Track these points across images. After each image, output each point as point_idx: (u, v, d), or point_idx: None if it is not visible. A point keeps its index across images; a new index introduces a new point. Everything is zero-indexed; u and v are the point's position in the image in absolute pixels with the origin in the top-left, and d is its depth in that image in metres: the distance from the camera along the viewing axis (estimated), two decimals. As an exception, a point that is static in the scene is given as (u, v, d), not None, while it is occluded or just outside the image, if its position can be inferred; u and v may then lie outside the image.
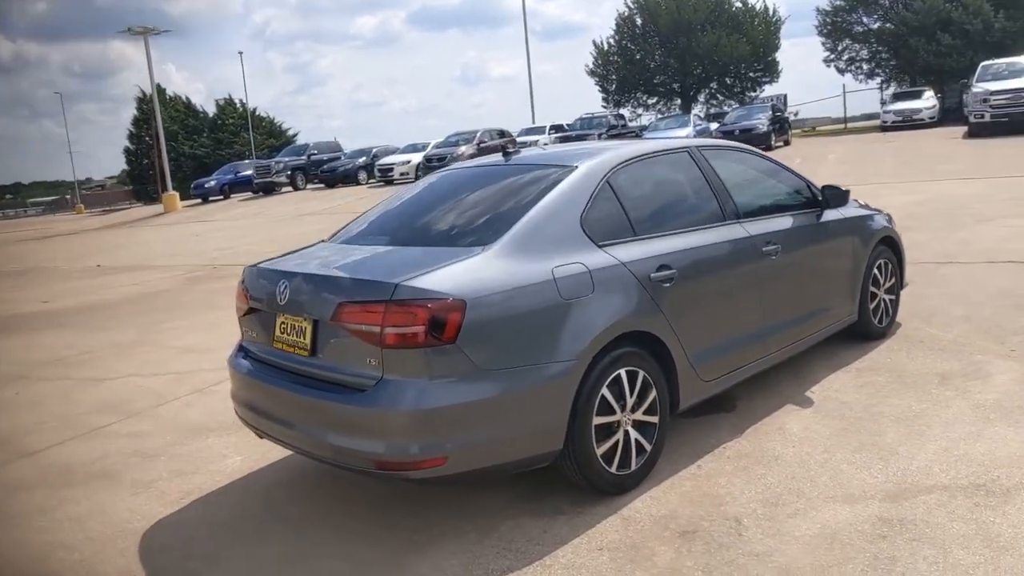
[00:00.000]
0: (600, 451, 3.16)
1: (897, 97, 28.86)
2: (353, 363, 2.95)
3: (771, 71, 38.05)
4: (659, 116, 30.25)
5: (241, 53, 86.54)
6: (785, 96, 34.54)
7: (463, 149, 25.48)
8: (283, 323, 3.28)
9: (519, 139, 27.68)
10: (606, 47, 41.46)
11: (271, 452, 4.21)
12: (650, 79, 40.42)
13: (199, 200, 32.53)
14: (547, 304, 3.03)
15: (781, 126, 25.47)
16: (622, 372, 3.20)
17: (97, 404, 5.57)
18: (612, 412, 3.20)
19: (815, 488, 3.23)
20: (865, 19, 35.09)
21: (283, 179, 30.64)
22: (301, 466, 4.04)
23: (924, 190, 12.51)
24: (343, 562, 3.02)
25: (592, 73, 42.27)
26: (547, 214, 3.24)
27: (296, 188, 30.64)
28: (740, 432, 3.87)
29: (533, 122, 37.84)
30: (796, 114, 31.80)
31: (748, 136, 23.51)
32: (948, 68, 29.61)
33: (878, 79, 34.16)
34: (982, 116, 18.98)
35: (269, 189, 30.59)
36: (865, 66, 35.84)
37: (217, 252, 14.41)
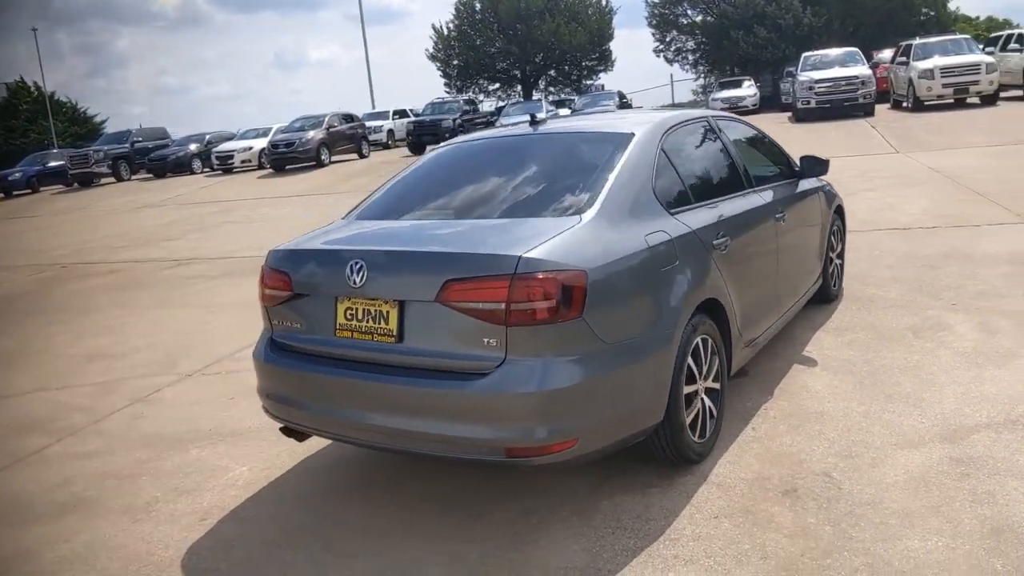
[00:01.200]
0: (687, 420, 3.13)
1: (722, 86, 31.11)
2: (462, 345, 2.70)
3: (605, 60, 39.72)
4: (512, 103, 30.59)
5: (35, 30, 76.60)
6: (602, 85, 36.58)
7: (312, 134, 24.39)
8: (350, 309, 2.93)
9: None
10: (446, 32, 41.27)
11: (279, 458, 3.80)
12: (491, 65, 40.77)
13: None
14: (648, 273, 2.96)
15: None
16: (698, 340, 3.19)
17: (13, 426, 4.74)
18: (694, 381, 3.18)
19: (875, 438, 3.39)
20: (690, 12, 37.58)
21: (104, 169, 27.72)
22: (329, 467, 3.67)
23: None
24: (457, 564, 2.77)
25: (433, 58, 41.94)
26: (625, 181, 3.14)
27: (120, 179, 27.87)
28: (770, 393, 3.99)
29: (373, 107, 37.02)
30: (630, 102, 33.47)
31: (600, 121, 24.37)
32: (764, 59, 32.41)
33: (702, 69, 36.81)
34: (808, 102, 20.93)
35: (87, 181, 27.52)
36: (691, 56, 38.45)
37: (62, 250, 12.76)
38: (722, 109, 29.75)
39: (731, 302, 3.46)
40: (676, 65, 38.75)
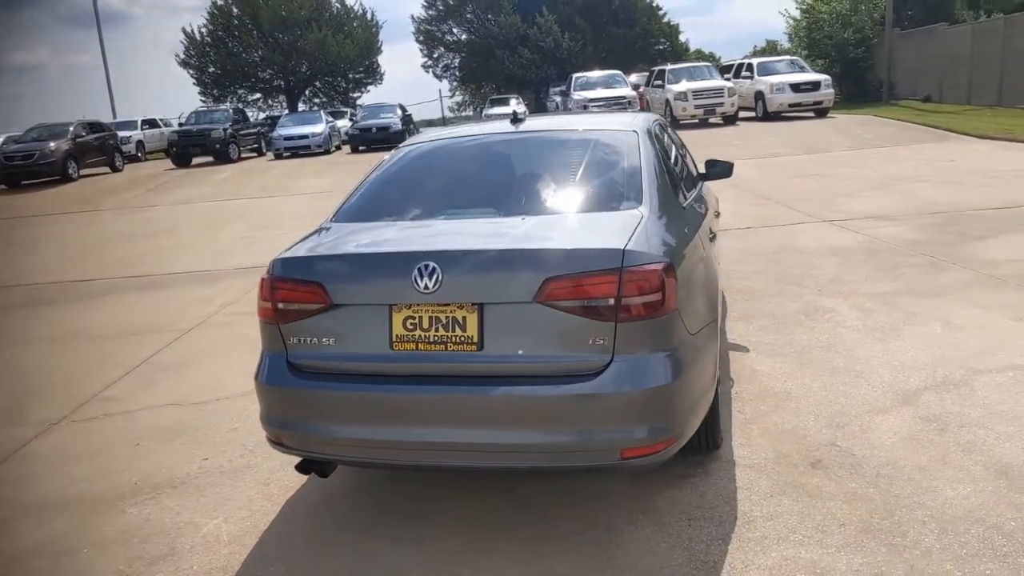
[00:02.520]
0: None
1: (493, 103, 32.44)
2: (562, 347, 2.53)
3: (373, 73, 39.39)
4: (287, 115, 29.04)
5: None
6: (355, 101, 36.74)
7: (55, 145, 21.29)
8: (411, 318, 2.62)
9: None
10: (199, 37, 38.23)
11: (254, 503, 3.31)
12: (252, 74, 38.51)
13: None
14: (698, 259, 3.03)
15: (411, 125, 26.67)
16: None
17: None
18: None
19: (848, 408, 3.75)
20: (455, 30, 38.61)
21: None
22: (327, 503, 3.25)
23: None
24: (561, 581, 2.59)
25: (185, 64, 38.58)
26: (653, 174, 3.16)
27: None
28: (728, 379, 4.24)
29: (114, 116, 33.28)
30: (411, 116, 33.73)
31: (386, 134, 24.18)
32: (529, 78, 34.33)
33: (471, 86, 37.98)
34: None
35: None
36: (459, 73, 39.48)
37: None
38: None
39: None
40: (445, 81, 39.68)
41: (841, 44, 28.28)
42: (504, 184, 3.33)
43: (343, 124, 27.87)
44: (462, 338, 2.58)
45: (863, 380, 4.08)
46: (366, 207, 3.32)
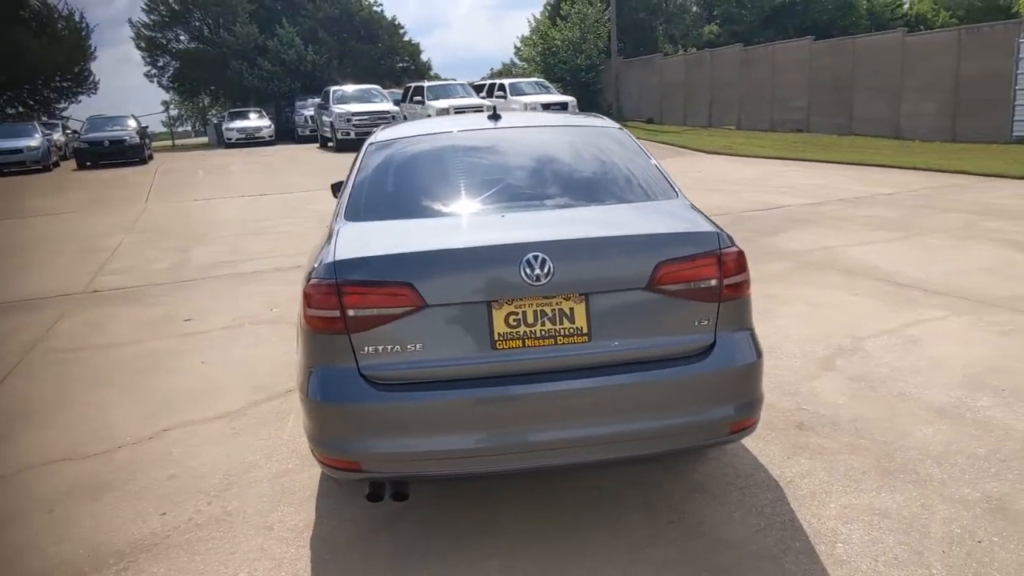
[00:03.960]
0: None
1: (233, 116, 30.44)
2: (670, 330, 2.55)
3: (83, 82, 34.64)
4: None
5: None
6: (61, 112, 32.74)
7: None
8: (514, 313, 2.47)
9: None
10: None
11: (270, 550, 2.86)
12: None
13: None
14: None
15: (148, 139, 24.07)
16: None
17: None
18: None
19: (788, 377, 4.19)
20: (183, 37, 35.48)
21: None
22: (361, 541, 2.90)
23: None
24: (667, 569, 2.59)
25: None
26: (658, 165, 3.31)
27: None
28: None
29: None
30: (147, 128, 30.43)
31: (121, 148, 21.66)
32: (272, 91, 32.70)
33: (205, 97, 35.05)
34: (348, 133, 22.14)
35: None
36: (189, 84, 36.26)
37: None
38: (237, 139, 29.38)
39: None
40: (173, 92, 36.17)
41: (574, 69, 31.00)
42: (538, 176, 3.24)
43: (58, 136, 24.31)
44: (571, 330, 2.49)
45: (781, 353, 4.58)
46: (387, 204, 3.05)
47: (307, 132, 28.68)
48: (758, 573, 2.54)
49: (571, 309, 2.50)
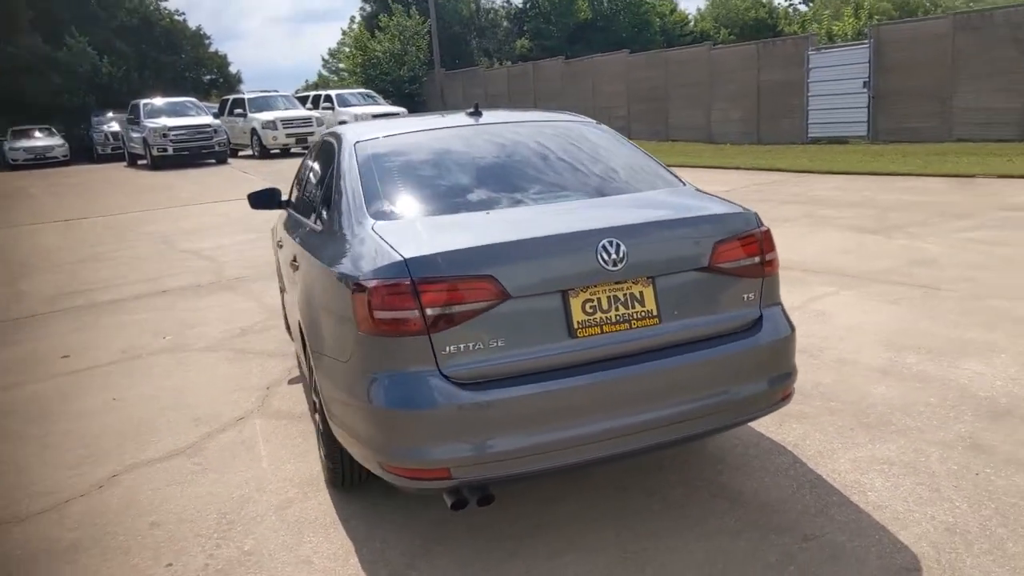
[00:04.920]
0: None
1: (17, 135, 27.08)
2: (724, 307, 2.68)
3: None
4: None
5: None
6: None
7: None
8: (590, 300, 2.46)
9: None
10: None
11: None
12: None
13: None
14: None
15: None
16: None
17: None
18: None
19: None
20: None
21: None
22: (416, 555, 2.74)
23: (206, 212, 13.29)
24: (767, 544, 2.70)
25: None
26: (647, 155, 3.44)
27: None
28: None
29: None
30: None
31: None
32: (66, 107, 29.38)
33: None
34: (165, 149, 20.46)
35: None
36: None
37: None
38: (25, 160, 26.19)
39: None
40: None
41: (397, 81, 30.86)
42: (555, 168, 3.20)
43: None
44: (643, 313, 2.54)
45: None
46: (416, 201, 2.93)
47: (108, 150, 26.20)
48: (817, 527, 2.72)
49: (641, 292, 2.54)
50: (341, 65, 51.68)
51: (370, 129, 3.55)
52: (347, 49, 39.26)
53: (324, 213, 3.26)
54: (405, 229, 2.69)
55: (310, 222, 3.47)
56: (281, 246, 4.32)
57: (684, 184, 3.19)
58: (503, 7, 42.55)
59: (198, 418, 4.18)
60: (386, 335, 2.38)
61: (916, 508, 2.79)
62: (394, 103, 28.90)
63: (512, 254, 2.45)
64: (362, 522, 2.98)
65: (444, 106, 29.70)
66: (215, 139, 20.97)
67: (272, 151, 22.16)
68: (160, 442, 3.90)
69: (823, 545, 2.61)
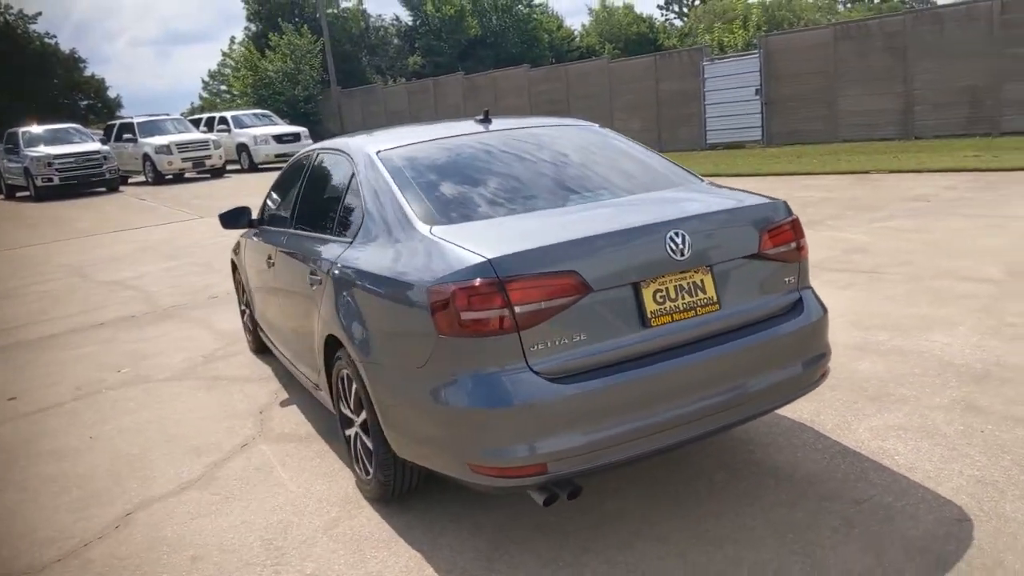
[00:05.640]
0: None
1: None
2: (770, 291, 2.82)
3: None
4: None
5: None
6: None
7: None
8: (659, 290, 2.55)
9: None
10: None
11: None
12: None
13: None
14: None
15: None
16: None
17: None
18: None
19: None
20: None
21: None
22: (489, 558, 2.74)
23: (116, 241, 12.58)
24: (846, 527, 2.85)
25: None
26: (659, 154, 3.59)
27: None
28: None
29: None
30: None
31: None
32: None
33: None
34: (51, 179, 19.15)
35: None
36: None
37: None
38: None
39: None
40: None
41: (292, 100, 30.15)
42: (586, 169, 3.29)
43: None
44: (705, 300, 2.65)
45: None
46: (466, 205, 2.93)
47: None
48: (862, 492, 2.90)
49: (702, 280, 2.66)
50: (224, 87, 50.13)
51: (383, 140, 3.51)
52: (231, 70, 38.05)
53: (352, 225, 3.20)
54: (467, 232, 2.69)
55: (331, 237, 3.38)
56: (273, 264, 4.16)
57: (702, 180, 3.35)
58: (393, 25, 42.52)
59: (196, 448, 3.97)
60: (473, 336, 2.38)
61: (943, 466, 3.03)
62: (291, 123, 28.28)
63: (591, 248, 2.51)
64: (422, 533, 2.93)
65: (342, 125, 29.30)
66: (105, 166, 19.81)
67: (167, 176, 21.18)
68: (163, 476, 3.68)
69: (875, 507, 2.80)
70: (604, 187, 3.13)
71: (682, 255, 2.58)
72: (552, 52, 40.36)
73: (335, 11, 35.80)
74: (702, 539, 2.71)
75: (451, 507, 3.08)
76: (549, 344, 2.41)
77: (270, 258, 4.22)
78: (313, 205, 3.87)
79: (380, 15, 62.38)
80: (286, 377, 4.97)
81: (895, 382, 3.88)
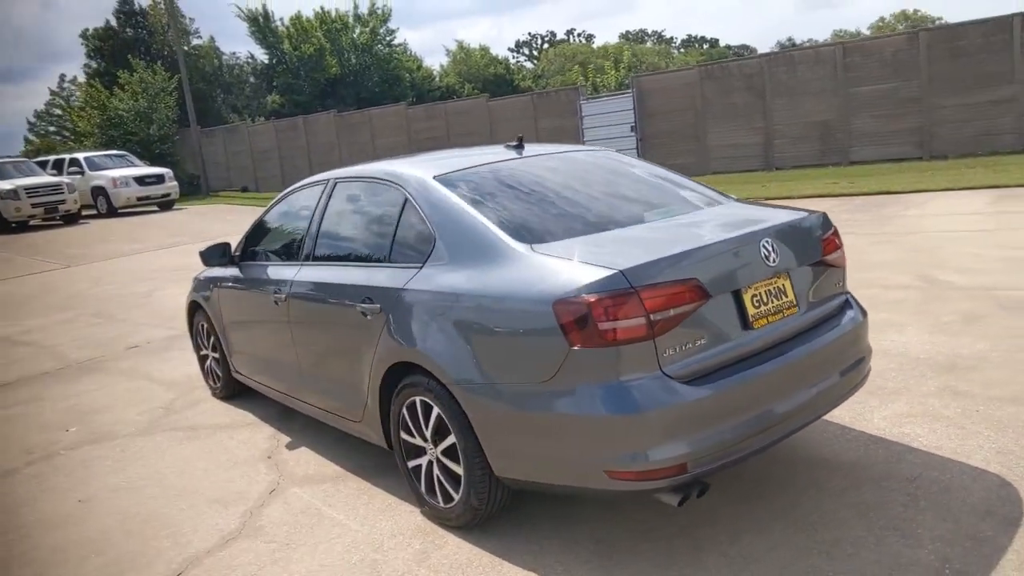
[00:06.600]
0: None
1: None
2: (827, 291, 3.11)
3: None
4: None
5: None
6: None
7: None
8: (755, 295, 2.77)
9: None
10: None
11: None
12: None
13: None
14: None
15: None
16: None
17: None
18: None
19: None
20: None
21: None
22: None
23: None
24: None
25: None
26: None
27: None
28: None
29: None
30: None
31: None
32: None
33: None
34: None
35: None
36: None
37: None
38: None
39: None
40: None
41: (146, 140, 28.41)
42: (634, 188, 3.48)
43: None
44: (788, 303, 2.89)
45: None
46: (551, 225, 3.00)
47: None
48: (909, 471, 3.22)
49: (783, 285, 2.90)
50: (53, 128, 46.30)
51: (429, 166, 3.50)
52: (69, 110, 35.35)
53: (415, 250, 3.19)
54: (573, 249, 2.78)
55: (385, 264, 3.33)
56: (283, 299, 3.98)
57: (735, 199, 3.63)
58: (248, 63, 41.28)
59: (217, 500, 3.71)
60: (610, 345, 2.46)
61: (963, 443, 3.43)
62: (149, 164, 26.66)
63: (706, 257, 2.70)
64: (523, 554, 2.92)
65: (203, 166, 27.98)
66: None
67: (12, 224, 19.28)
68: (197, 531, 3.42)
69: (929, 482, 3.12)
70: (667, 204, 3.34)
71: (773, 262, 2.82)
72: (414, 91, 40.67)
73: (187, 48, 34.27)
74: (796, 527, 2.91)
75: (537, 527, 3.10)
76: (678, 349, 2.55)
77: (277, 292, 4.05)
78: (344, 235, 3.79)
79: (234, 53, 60.43)
80: (278, 420, 4.74)
81: (881, 378, 4.31)
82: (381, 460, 3.92)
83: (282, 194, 4.57)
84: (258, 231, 4.65)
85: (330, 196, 3.93)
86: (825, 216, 3.26)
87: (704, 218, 3.20)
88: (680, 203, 3.39)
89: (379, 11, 38.64)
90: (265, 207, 4.73)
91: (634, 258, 2.60)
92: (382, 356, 3.23)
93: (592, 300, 2.48)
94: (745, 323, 2.75)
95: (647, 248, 2.74)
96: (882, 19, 62.59)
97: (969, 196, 10.62)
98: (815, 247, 3.08)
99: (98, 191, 21.43)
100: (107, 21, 36.94)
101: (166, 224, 18.75)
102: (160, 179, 21.96)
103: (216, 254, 4.66)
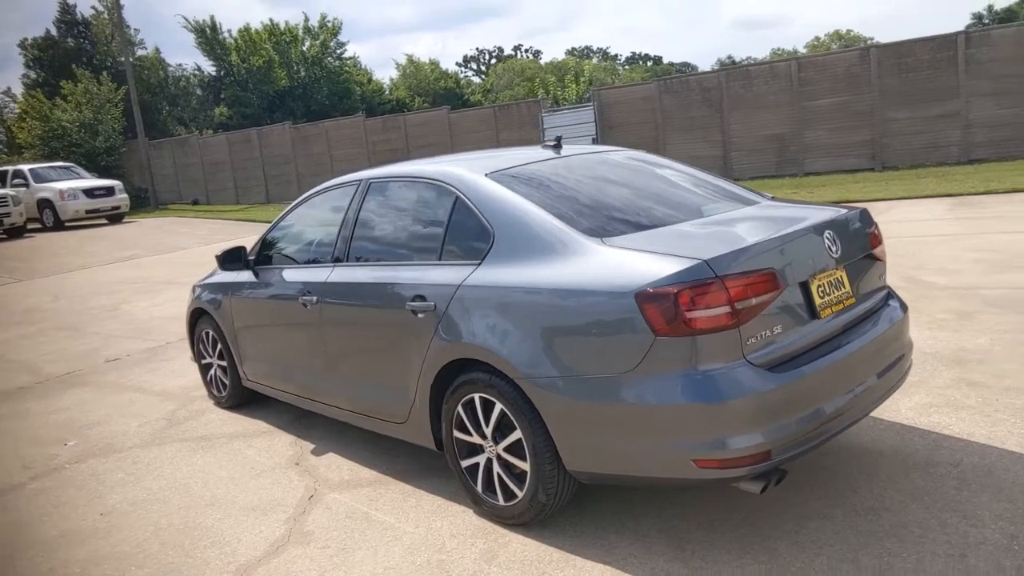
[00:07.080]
0: None
1: None
2: (873, 285, 3.21)
3: None
4: None
5: None
6: None
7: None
8: (820, 285, 2.84)
9: None
10: None
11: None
12: None
13: None
14: None
15: None
16: None
17: None
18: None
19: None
20: None
21: None
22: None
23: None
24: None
25: None
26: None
27: None
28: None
29: None
30: None
31: None
32: None
33: None
34: None
35: None
36: None
37: None
38: None
39: None
40: None
41: (91, 152, 27.48)
42: (680, 186, 3.52)
43: None
44: (846, 294, 2.97)
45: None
46: (611, 220, 3.00)
47: None
48: (950, 457, 3.34)
49: (841, 277, 2.99)
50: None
51: (478, 164, 3.49)
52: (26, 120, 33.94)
53: (471, 247, 3.17)
54: (647, 242, 2.81)
55: (438, 262, 3.30)
56: (313, 301, 3.89)
57: (768, 196, 3.72)
58: (195, 75, 40.38)
59: (255, 508, 3.60)
60: (696, 333, 2.49)
61: (992, 429, 3.57)
62: (96, 176, 25.79)
63: (780, 248, 2.76)
64: (592, 548, 2.92)
65: (151, 178, 27.20)
66: None
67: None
68: (241, 541, 3.31)
69: (972, 467, 3.24)
70: (715, 200, 3.40)
71: (835, 254, 2.91)
72: (364, 104, 40.39)
73: (132, 59, 33.29)
74: (857, 512, 2.98)
75: (601, 522, 3.10)
76: (759, 337, 2.60)
77: (307, 295, 3.96)
78: (383, 236, 3.73)
79: (180, 64, 59.04)
80: (294, 427, 4.63)
81: (895, 371, 4.46)
82: (417, 463, 3.87)
83: (303, 197, 4.48)
84: (277, 235, 4.55)
85: (364, 197, 3.88)
86: (868, 212, 3.37)
87: (756, 213, 3.27)
88: (727, 199, 3.46)
89: (329, 24, 38.34)
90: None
91: (714, 249, 2.64)
92: (436, 354, 3.20)
93: (679, 289, 2.51)
94: (813, 312, 2.82)
95: (721, 241, 2.79)
96: (817, 39, 65.20)
97: (927, 204, 11.10)
98: (865, 240, 3.19)
99: (44, 204, 20.62)
100: (47, 30, 35.81)
101: (118, 237, 18.15)
102: (110, 191, 21.27)
103: (235, 257, 4.54)
